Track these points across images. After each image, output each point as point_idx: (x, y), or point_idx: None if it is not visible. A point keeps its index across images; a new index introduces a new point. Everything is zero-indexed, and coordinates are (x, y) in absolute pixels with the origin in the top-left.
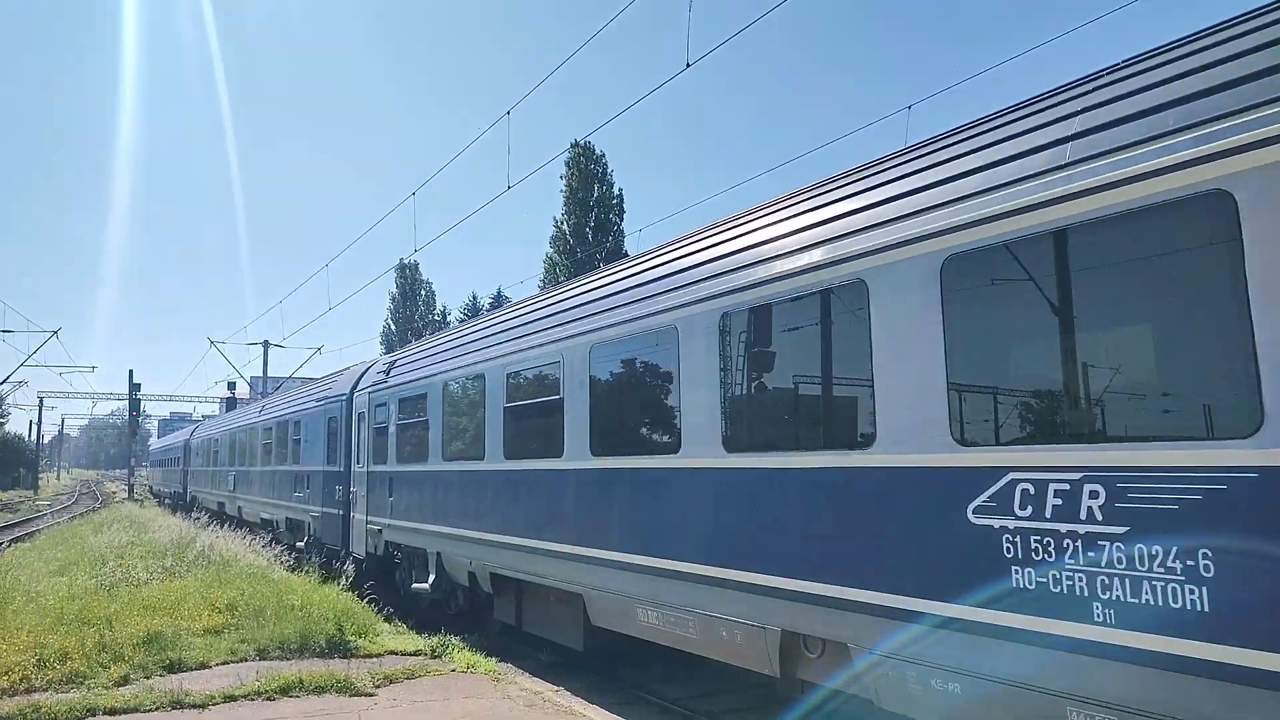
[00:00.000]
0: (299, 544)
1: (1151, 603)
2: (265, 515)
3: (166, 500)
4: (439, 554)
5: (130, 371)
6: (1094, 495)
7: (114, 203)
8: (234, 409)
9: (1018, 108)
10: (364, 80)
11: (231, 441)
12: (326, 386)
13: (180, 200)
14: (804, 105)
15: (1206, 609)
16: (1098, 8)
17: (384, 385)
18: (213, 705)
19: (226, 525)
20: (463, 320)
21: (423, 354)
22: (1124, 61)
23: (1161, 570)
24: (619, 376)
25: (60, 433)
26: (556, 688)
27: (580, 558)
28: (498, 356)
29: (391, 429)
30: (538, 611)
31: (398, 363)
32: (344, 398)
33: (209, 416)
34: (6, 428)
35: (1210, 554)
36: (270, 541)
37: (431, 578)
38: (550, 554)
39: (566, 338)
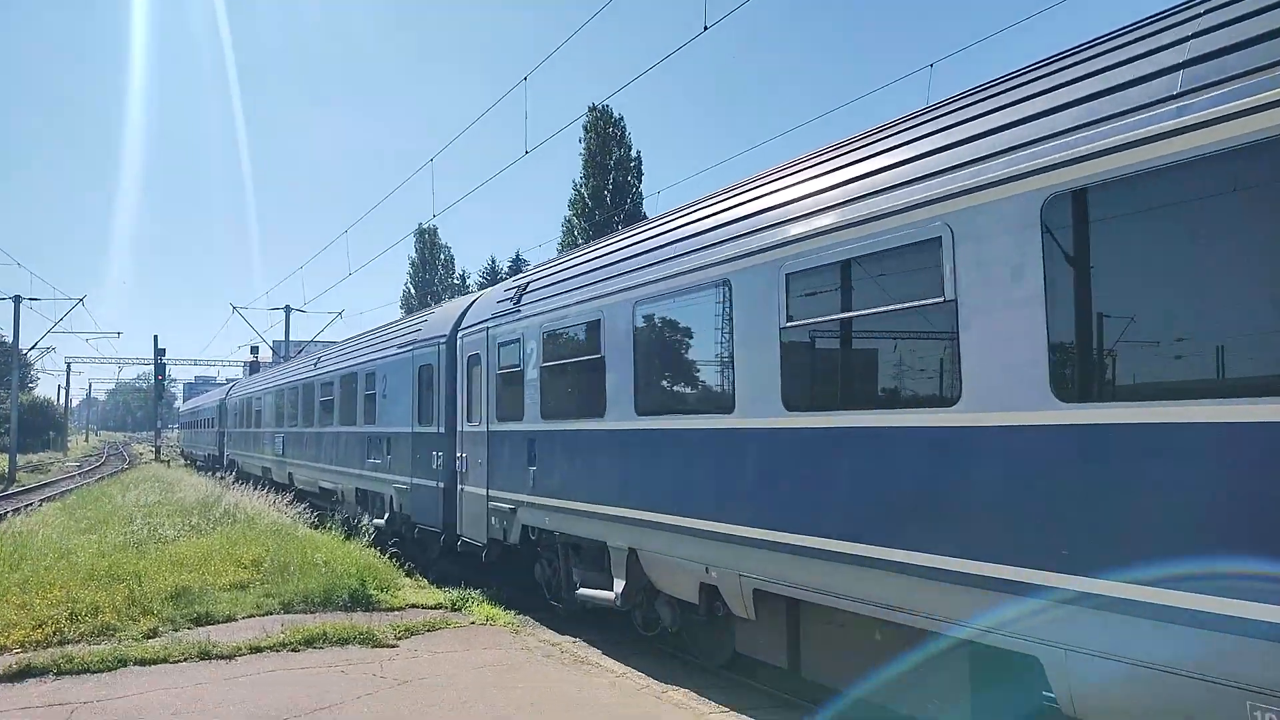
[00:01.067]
0: (377, 521)
1: None
2: (326, 484)
3: (199, 464)
4: (633, 550)
5: (155, 337)
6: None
7: (134, 171)
8: (257, 371)
9: (1125, 31)
10: (380, 47)
11: (279, 399)
12: (413, 329)
13: (197, 171)
14: (823, 65)
15: None
16: None
17: (514, 316)
18: (239, 656)
19: (275, 492)
20: (500, 277)
21: (587, 265)
22: None
23: None
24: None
25: (88, 396)
26: (574, 639)
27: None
28: (768, 248)
29: (531, 374)
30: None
31: (533, 285)
32: (442, 340)
33: (236, 380)
34: (36, 392)
35: None
36: (335, 516)
37: (620, 584)
38: (896, 569)
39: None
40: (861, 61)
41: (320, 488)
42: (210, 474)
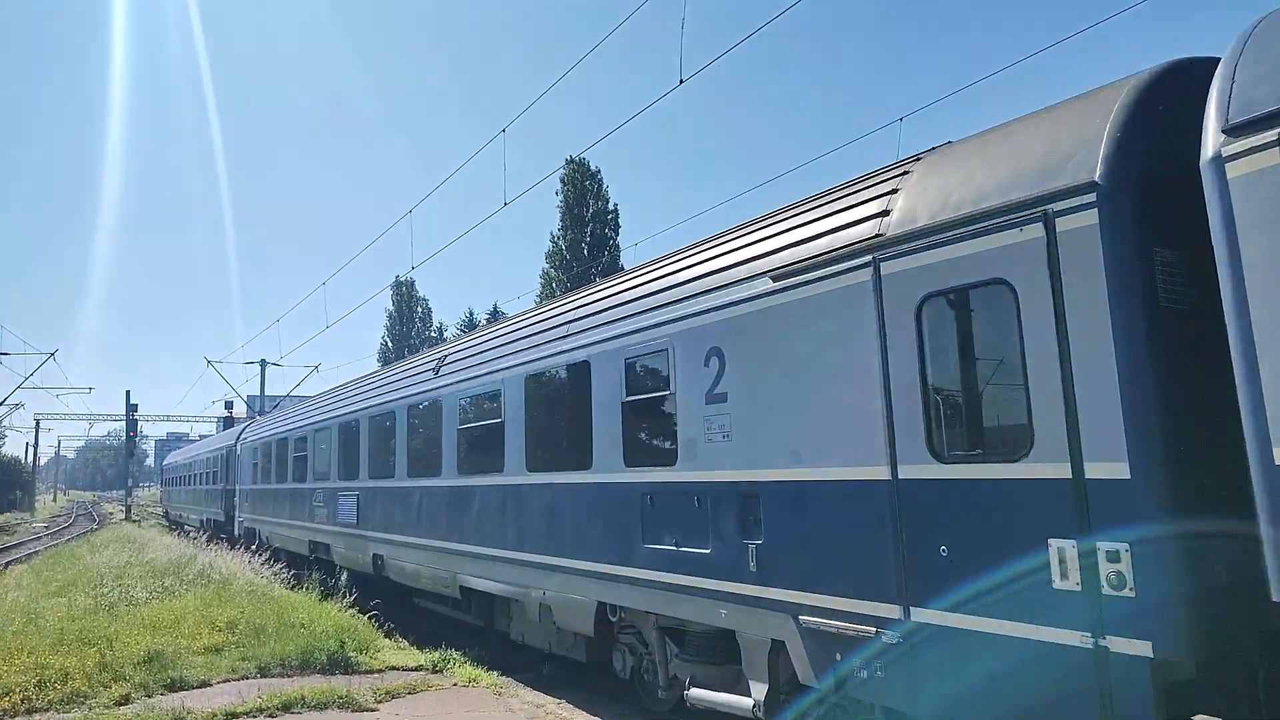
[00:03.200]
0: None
1: None
2: (485, 582)
3: (190, 531)
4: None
5: (127, 393)
6: None
7: (107, 224)
8: (230, 427)
9: None
10: (357, 100)
11: (346, 436)
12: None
13: (174, 222)
14: (796, 118)
15: None
16: (1084, 18)
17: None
18: None
19: (329, 574)
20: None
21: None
22: None
23: None
24: None
25: (57, 454)
26: (559, 700)
27: None
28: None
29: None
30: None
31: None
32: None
33: (251, 420)
34: (3, 450)
35: None
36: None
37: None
38: None
39: None
40: (834, 114)
41: (466, 586)
42: (221, 545)
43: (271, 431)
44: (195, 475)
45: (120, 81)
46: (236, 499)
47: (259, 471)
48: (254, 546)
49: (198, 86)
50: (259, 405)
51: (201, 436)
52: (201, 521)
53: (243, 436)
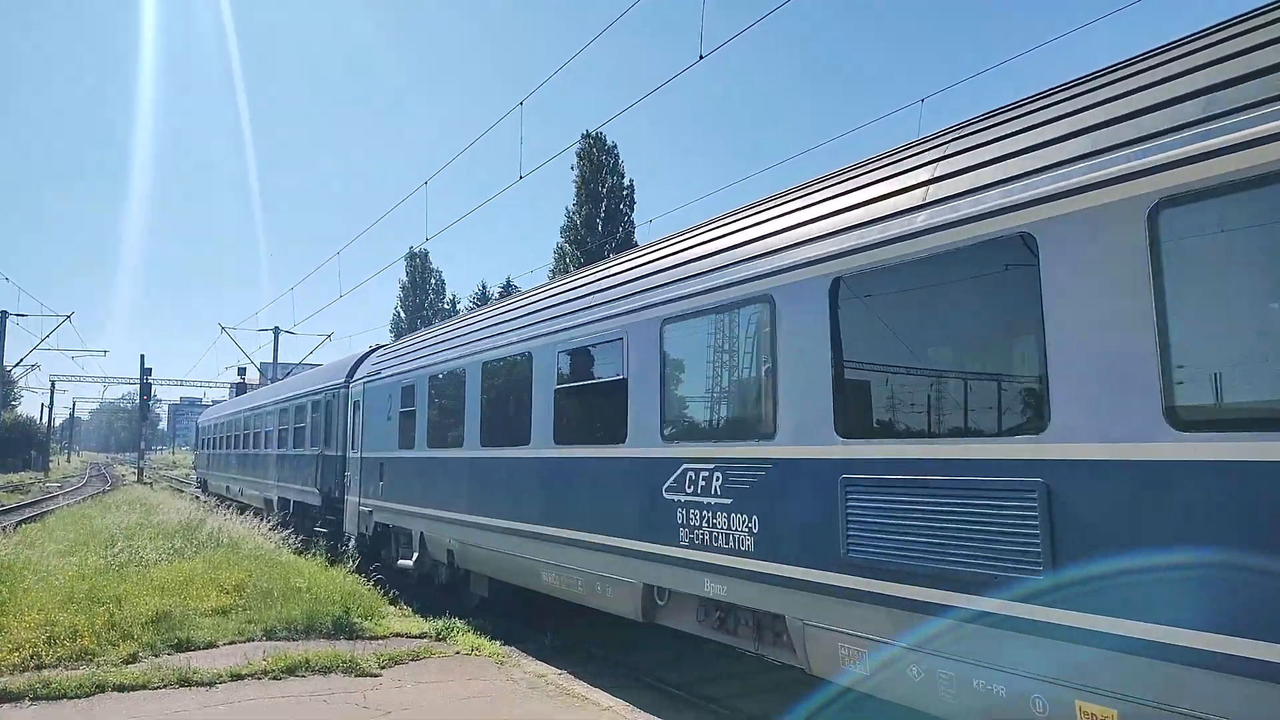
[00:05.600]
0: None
1: None
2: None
3: (249, 510)
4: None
5: (142, 356)
6: None
7: (128, 189)
8: (243, 393)
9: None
10: (378, 71)
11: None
12: None
13: (193, 187)
14: (816, 98)
15: None
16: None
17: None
18: (220, 684)
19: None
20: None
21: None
22: None
23: None
24: None
25: (71, 416)
26: (560, 670)
27: None
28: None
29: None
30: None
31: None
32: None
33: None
34: (18, 410)
35: None
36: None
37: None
38: None
39: None
40: (854, 94)
41: None
42: (300, 540)
43: (456, 355)
44: (257, 435)
45: (149, 46)
46: (352, 474)
47: (415, 428)
48: (413, 563)
49: (224, 51)
50: (272, 373)
51: (215, 402)
52: (270, 502)
53: (371, 371)
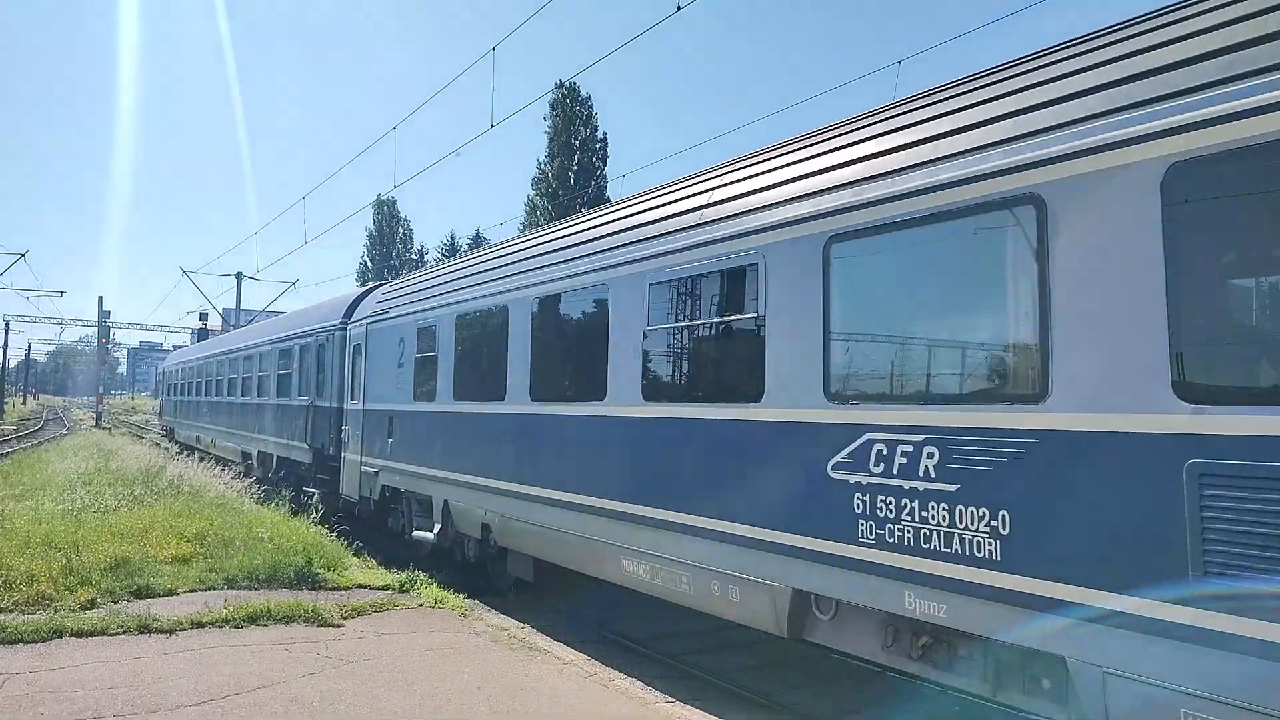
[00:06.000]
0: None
1: None
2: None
3: (226, 464)
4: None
5: (100, 298)
6: None
7: (87, 123)
8: (205, 339)
9: None
10: (347, 10)
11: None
12: None
13: (160, 124)
14: (793, 54)
15: None
16: None
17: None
18: (180, 631)
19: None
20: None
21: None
22: None
23: None
24: None
25: (27, 358)
26: (523, 624)
27: None
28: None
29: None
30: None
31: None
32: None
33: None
34: None
35: None
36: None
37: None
38: None
39: None
40: (832, 54)
41: None
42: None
43: (496, 291)
44: (233, 382)
45: None
46: (351, 428)
47: (436, 377)
48: (434, 536)
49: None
50: (234, 319)
51: (175, 347)
52: (249, 456)
53: (375, 310)
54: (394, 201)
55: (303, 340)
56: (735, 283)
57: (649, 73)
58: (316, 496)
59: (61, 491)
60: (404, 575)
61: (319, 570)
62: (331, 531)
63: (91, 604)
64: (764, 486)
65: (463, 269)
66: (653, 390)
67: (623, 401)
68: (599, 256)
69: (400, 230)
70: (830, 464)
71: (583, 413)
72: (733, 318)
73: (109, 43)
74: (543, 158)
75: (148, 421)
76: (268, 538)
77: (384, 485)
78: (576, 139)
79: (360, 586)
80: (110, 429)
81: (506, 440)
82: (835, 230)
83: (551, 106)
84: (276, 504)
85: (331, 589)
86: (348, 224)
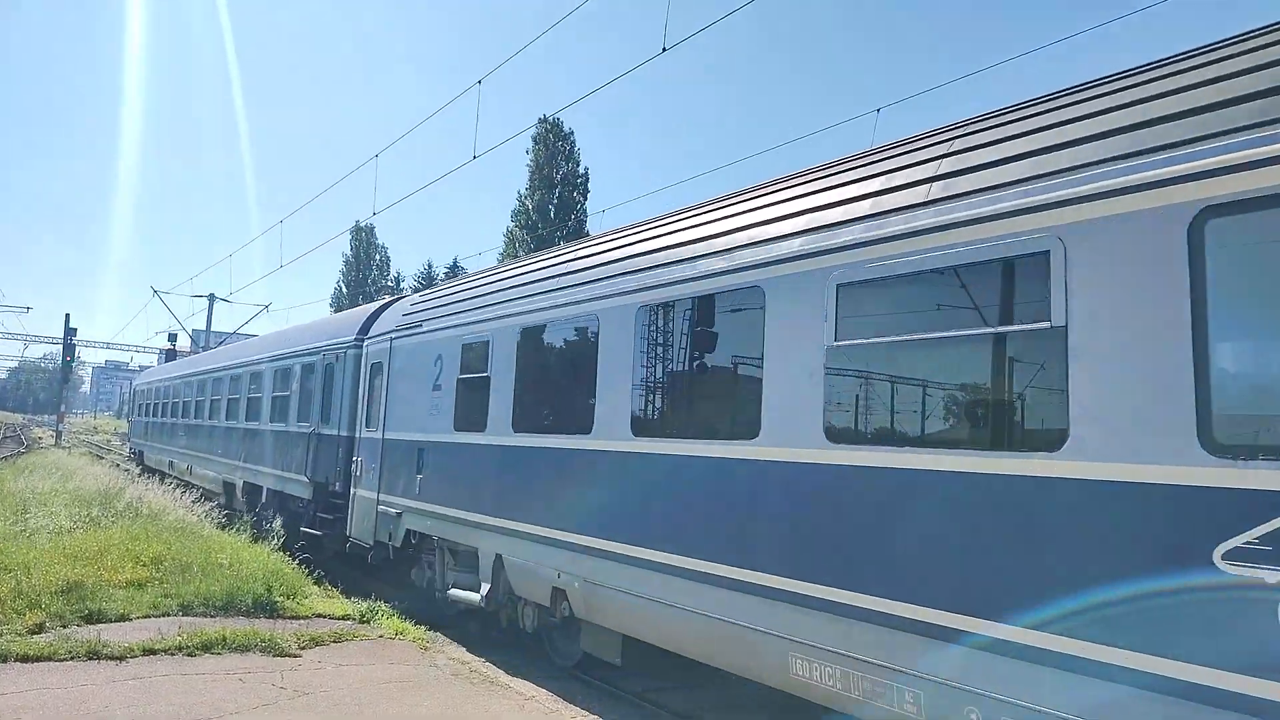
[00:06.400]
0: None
1: None
2: None
3: (204, 495)
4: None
5: (67, 315)
6: None
7: (56, 138)
8: (173, 359)
9: None
10: (330, 39)
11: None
12: None
13: (137, 140)
14: (774, 100)
15: None
16: (1059, 30)
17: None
18: (131, 658)
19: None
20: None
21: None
22: None
23: None
24: None
25: None
26: (484, 659)
27: None
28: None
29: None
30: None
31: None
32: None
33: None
34: None
35: None
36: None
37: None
38: None
39: None
40: (812, 101)
41: None
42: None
43: (580, 298)
44: (216, 404)
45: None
46: (366, 460)
47: (487, 403)
48: (482, 598)
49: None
50: (204, 340)
51: (142, 367)
52: (231, 488)
53: (402, 324)
54: (372, 228)
55: (306, 358)
56: (994, 275)
57: (633, 110)
58: (318, 535)
59: (15, 511)
60: (365, 605)
61: (278, 598)
62: (294, 559)
63: (40, 628)
64: (1067, 577)
65: (531, 272)
66: (841, 428)
67: (786, 442)
68: (746, 251)
69: (377, 256)
70: (1220, 551)
71: (727, 455)
72: (998, 330)
73: (103, 63)
74: (523, 190)
75: (109, 441)
76: (227, 564)
77: (409, 530)
78: (558, 173)
79: (320, 616)
80: (69, 448)
81: (593, 484)
82: None
83: (534, 140)
84: (238, 529)
85: (290, 618)
86: (323, 249)
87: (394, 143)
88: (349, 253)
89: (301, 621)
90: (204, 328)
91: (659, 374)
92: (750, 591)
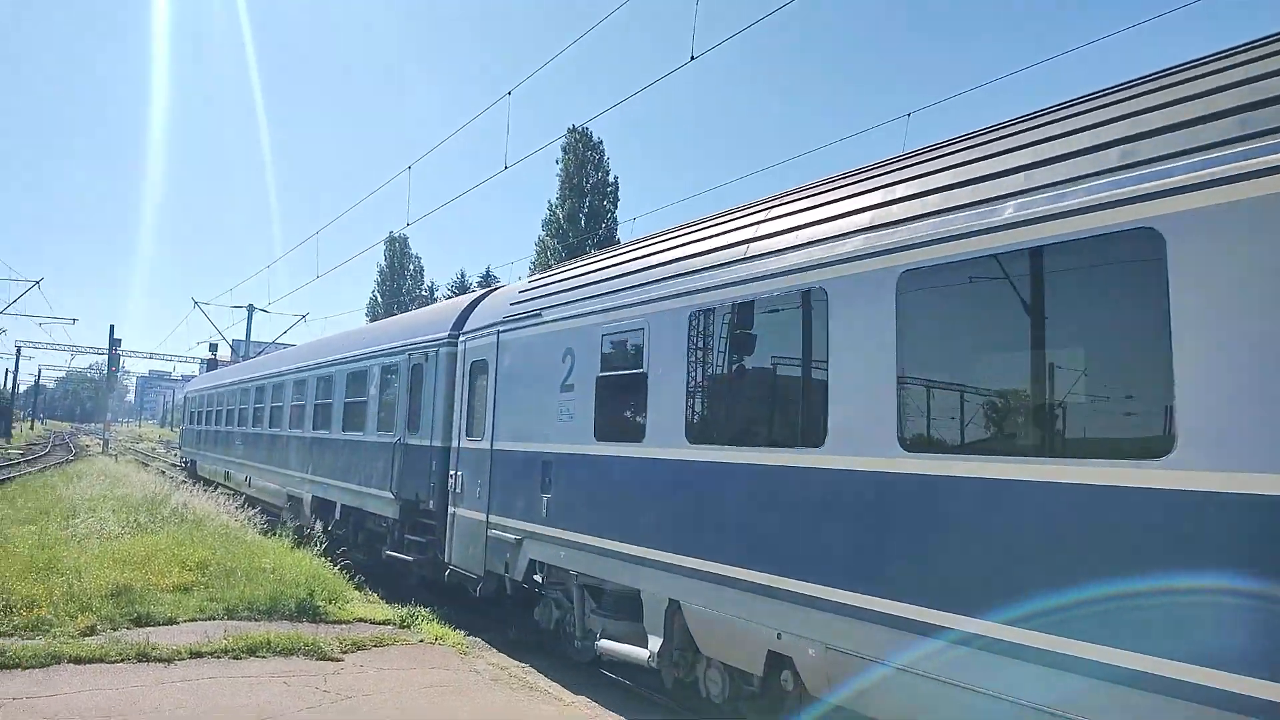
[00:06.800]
0: None
1: None
2: None
3: (263, 502)
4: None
5: (111, 326)
6: None
7: (103, 156)
8: (214, 369)
9: None
10: (371, 54)
11: None
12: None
13: (178, 158)
14: (804, 106)
15: None
16: (1090, 30)
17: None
18: (179, 660)
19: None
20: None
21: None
22: None
23: None
24: None
25: (37, 383)
26: (524, 664)
27: None
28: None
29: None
30: None
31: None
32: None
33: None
34: None
35: None
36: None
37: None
38: None
39: None
40: (842, 105)
41: None
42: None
43: (798, 263)
44: (277, 411)
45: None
46: (467, 474)
47: (645, 406)
48: (652, 657)
49: (237, 30)
50: (244, 350)
51: (185, 377)
52: (298, 502)
53: (512, 313)
54: (405, 238)
55: (387, 359)
56: None
57: (661, 117)
58: (408, 560)
59: (66, 517)
60: (405, 610)
61: (320, 603)
62: (334, 564)
63: (91, 630)
64: None
65: (710, 236)
66: None
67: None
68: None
69: (411, 266)
70: None
71: (1127, 483)
72: None
73: (140, 77)
74: (554, 199)
75: (153, 450)
76: (270, 568)
77: (532, 560)
78: (588, 182)
79: (361, 620)
80: (116, 456)
81: (832, 518)
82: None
83: (564, 150)
84: (280, 534)
85: (332, 622)
86: (358, 259)
87: (426, 154)
88: (383, 263)
89: (343, 626)
90: (244, 337)
91: (935, 369)
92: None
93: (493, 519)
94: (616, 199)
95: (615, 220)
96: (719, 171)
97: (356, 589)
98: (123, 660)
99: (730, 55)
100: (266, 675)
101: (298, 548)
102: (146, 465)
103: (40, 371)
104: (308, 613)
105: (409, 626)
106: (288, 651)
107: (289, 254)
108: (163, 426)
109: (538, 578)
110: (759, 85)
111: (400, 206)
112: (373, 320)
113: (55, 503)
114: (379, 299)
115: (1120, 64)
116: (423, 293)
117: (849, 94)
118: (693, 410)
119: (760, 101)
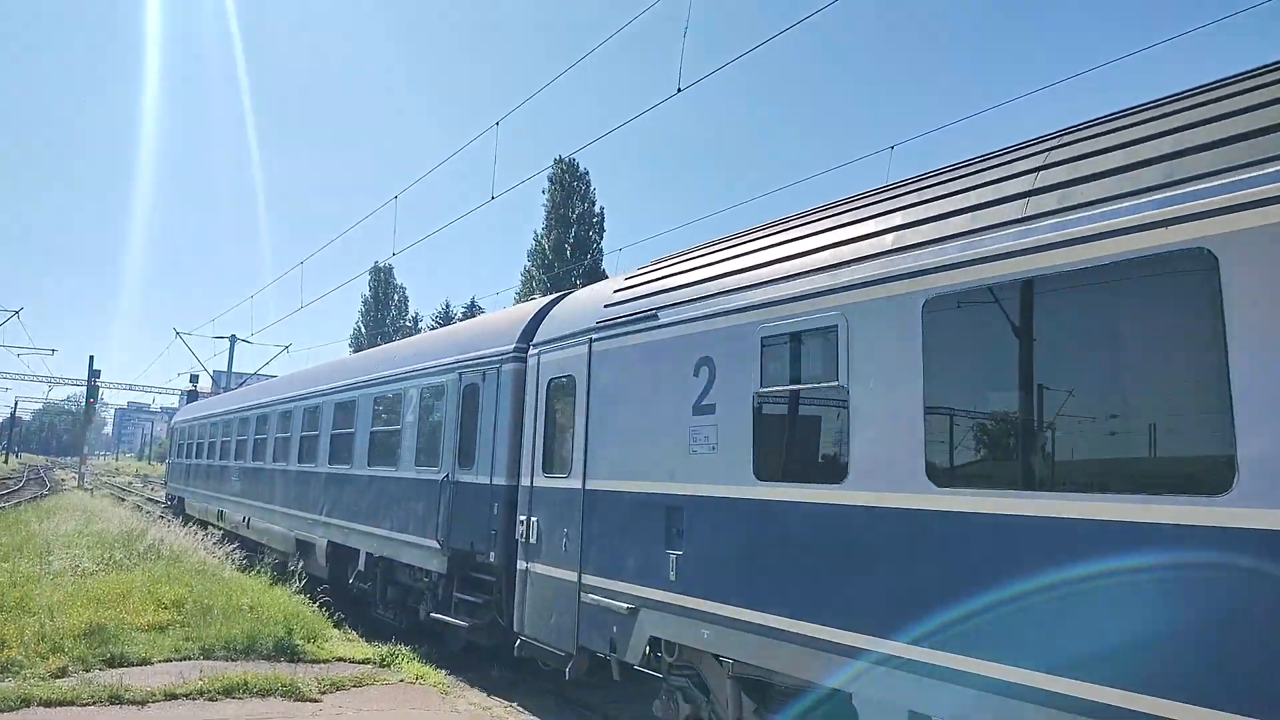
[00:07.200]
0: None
1: None
2: None
3: (266, 547)
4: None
5: (91, 357)
6: None
7: (85, 183)
8: (194, 400)
9: None
10: (357, 84)
11: None
12: None
13: (158, 189)
14: (788, 139)
15: None
16: (1064, 69)
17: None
18: (153, 703)
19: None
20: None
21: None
22: None
23: None
24: None
25: (13, 416)
26: (508, 704)
27: None
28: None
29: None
30: None
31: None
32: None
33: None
34: None
35: None
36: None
37: None
38: None
39: None
40: (826, 138)
41: None
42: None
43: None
44: (284, 442)
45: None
46: (542, 520)
47: (873, 431)
48: None
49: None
50: (225, 381)
51: (164, 409)
52: (311, 550)
53: (609, 316)
54: (390, 268)
55: (430, 379)
56: None
57: (648, 148)
58: (462, 625)
59: (39, 554)
60: (385, 649)
61: (299, 642)
62: (313, 601)
63: (62, 672)
64: None
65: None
66: None
67: None
68: None
69: (395, 297)
70: None
71: None
72: None
73: (128, 102)
74: (540, 230)
75: (129, 484)
76: (248, 606)
77: (653, 638)
78: (574, 213)
79: (340, 659)
80: (92, 490)
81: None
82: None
83: (550, 181)
84: (258, 571)
85: (311, 661)
86: (342, 290)
87: (415, 183)
88: (368, 293)
89: (322, 665)
90: (225, 368)
91: None
92: None
93: (589, 580)
94: (603, 229)
95: (601, 251)
96: (706, 199)
97: (335, 627)
98: (94, 703)
99: (717, 89)
100: (243, 717)
101: (275, 585)
102: (123, 500)
103: (16, 404)
104: (286, 652)
105: (389, 665)
106: (265, 692)
107: (273, 284)
108: (140, 460)
109: (661, 655)
110: (746, 116)
111: (386, 236)
112: (356, 350)
113: (28, 539)
114: (363, 329)
115: (1102, 94)
116: (406, 323)
117: (832, 128)
118: (936, 441)
119: (746, 133)
